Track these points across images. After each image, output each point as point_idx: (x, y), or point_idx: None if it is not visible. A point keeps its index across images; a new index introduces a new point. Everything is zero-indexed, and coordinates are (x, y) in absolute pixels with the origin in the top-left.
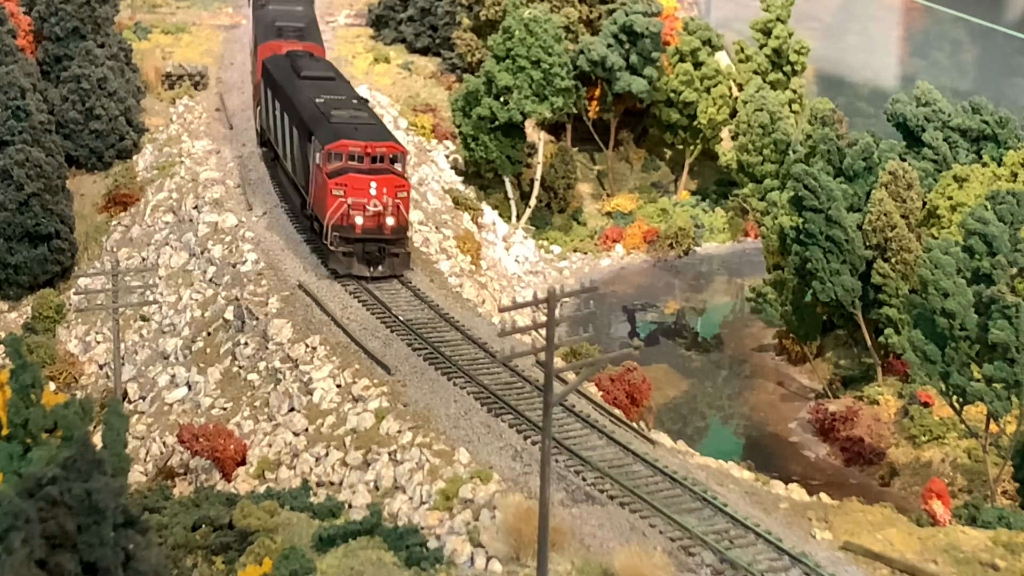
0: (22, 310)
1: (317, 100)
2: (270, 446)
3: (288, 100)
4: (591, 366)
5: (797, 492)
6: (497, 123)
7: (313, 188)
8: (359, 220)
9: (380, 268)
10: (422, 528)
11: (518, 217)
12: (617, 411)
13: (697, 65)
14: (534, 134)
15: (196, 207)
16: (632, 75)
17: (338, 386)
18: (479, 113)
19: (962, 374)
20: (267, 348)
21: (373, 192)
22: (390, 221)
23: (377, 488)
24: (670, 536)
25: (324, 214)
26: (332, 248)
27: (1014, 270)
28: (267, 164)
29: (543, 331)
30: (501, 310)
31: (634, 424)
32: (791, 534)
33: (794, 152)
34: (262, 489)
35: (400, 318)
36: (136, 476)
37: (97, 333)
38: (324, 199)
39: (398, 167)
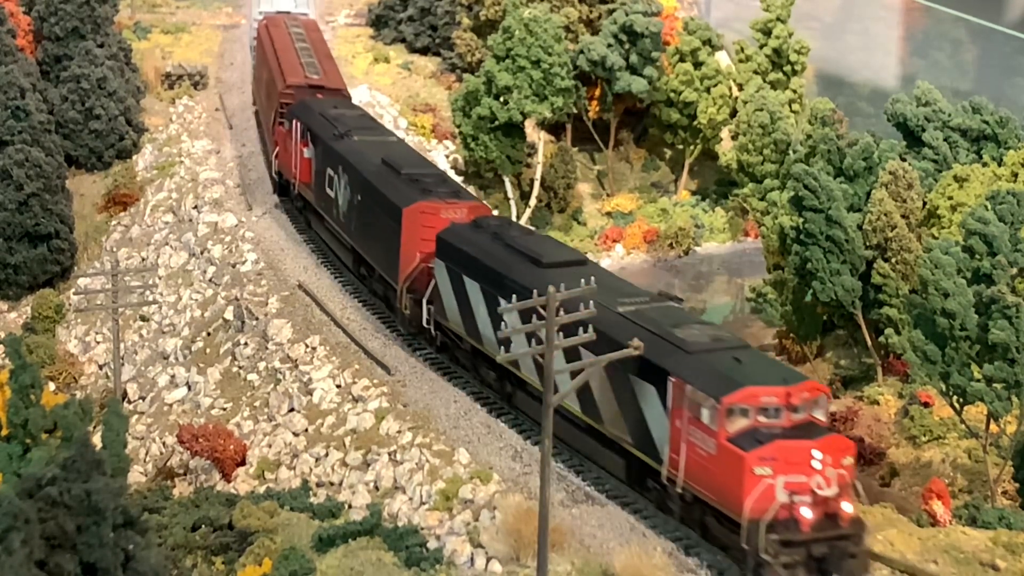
0: (22, 310)
1: (622, 310)
2: (270, 446)
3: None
4: (591, 366)
5: None
6: (497, 123)
7: (686, 457)
8: (807, 513)
9: None
10: (422, 528)
11: (518, 217)
12: None
13: (697, 65)
14: (534, 134)
15: (196, 207)
16: (632, 75)
17: (338, 386)
18: (479, 113)
19: (962, 374)
20: (267, 348)
21: (818, 465)
22: (846, 507)
23: (377, 488)
24: (670, 536)
25: (738, 506)
26: (769, 558)
27: (1014, 270)
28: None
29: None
30: (500, 310)
31: None
32: None
33: (794, 152)
34: (262, 489)
35: None
36: (136, 476)
37: (97, 333)
38: (732, 481)
39: (821, 414)
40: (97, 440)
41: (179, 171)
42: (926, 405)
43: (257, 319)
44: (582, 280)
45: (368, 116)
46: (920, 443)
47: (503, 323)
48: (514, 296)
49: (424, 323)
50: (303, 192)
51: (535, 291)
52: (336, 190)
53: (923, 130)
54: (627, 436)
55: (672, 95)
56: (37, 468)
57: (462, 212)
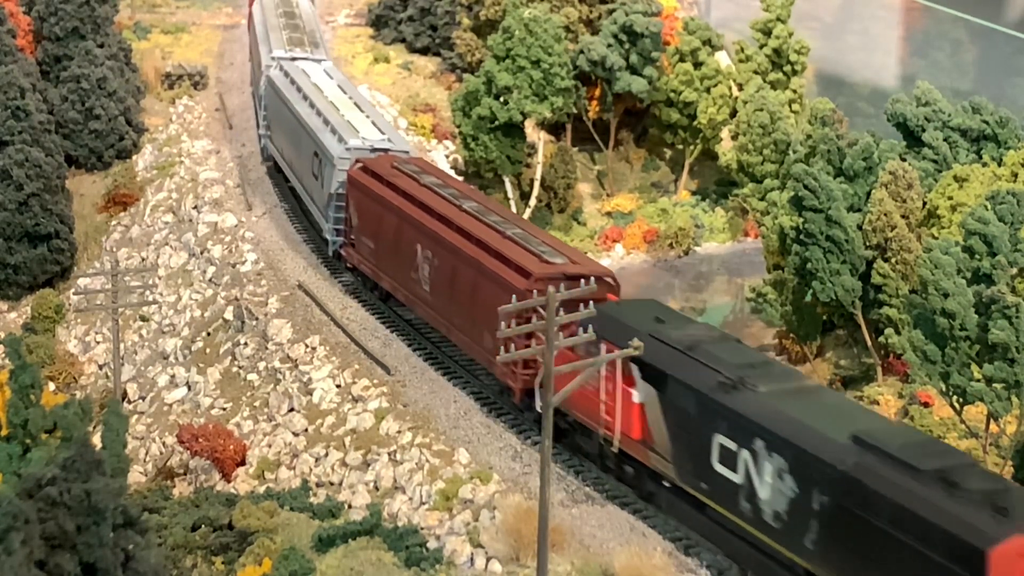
0: (22, 310)
1: None
2: (270, 446)
3: None
4: (591, 366)
5: None
6: (497, 123)
7: None
8: None
9: None
10: (422, 528)
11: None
12: None
13: (697, 65)
14: (534, 134)
15: (196, 207)
16: (632, 75)
17: (338, 386)
18: (479, 113)
19: (962, 374)
20: (267, 348)
21: None
22: None
23: (377, 488)
24: (670, 536)
25: None
26: None
27: (1014, 270)
28: None
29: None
30: (501, 311)
31: None
32: None
33: (794, 152)
34: (262, 489)
35: None
36: (136, 476)
37: (97, 333)
38: None
39: None
40: (97, 440)
41: (179, 171)
42: (926, 405)
43: (257, 319)
44: None
45: (729, 336)
46: None
47: None
48: None
49: None
50: (631, 451)
51: None
52: (747, 474)
53: (923, 130)
54: None
55: (672, 95)
56: (37, 468)
57: None
